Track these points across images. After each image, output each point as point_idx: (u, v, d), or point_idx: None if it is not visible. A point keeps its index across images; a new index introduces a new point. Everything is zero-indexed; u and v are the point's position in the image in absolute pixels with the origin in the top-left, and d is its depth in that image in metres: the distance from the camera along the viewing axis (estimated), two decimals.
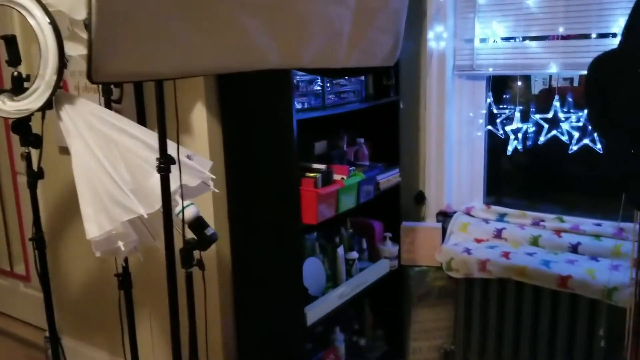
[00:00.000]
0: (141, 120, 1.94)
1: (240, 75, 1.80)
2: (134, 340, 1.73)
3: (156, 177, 1.28)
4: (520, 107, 2.22)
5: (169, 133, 1.26)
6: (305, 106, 1.89)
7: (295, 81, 1.81)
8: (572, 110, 2.12)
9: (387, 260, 2.27)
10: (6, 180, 2.83)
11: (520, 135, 2.23)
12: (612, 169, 1.44)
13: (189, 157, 1.49)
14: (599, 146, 2.05)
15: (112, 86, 1.72)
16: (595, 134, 2.04)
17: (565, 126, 2.13)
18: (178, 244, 1.31)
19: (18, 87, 1.51)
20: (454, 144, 2.42)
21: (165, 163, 1.25)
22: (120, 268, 1.68)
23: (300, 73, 1.80)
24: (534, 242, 2.17)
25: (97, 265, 2.28)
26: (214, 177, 1.48)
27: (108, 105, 1.69)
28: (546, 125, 2.16)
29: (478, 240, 2.25)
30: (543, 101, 2.22)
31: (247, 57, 1.03)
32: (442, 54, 2.31)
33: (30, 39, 1.54)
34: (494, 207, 2.35)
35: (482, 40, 2.24)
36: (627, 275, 1.73)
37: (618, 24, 1.93)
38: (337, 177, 1.92)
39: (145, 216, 1.32)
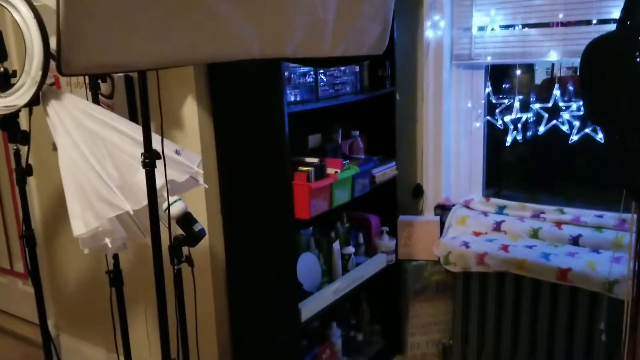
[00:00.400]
0: (132, 115, 1.92)
1: (231, 67, 1.77)
2: (126, 337, 1.72)
3: (143, 173, 1.25)
4: (520, 97, 2.17)
5: (157, 127, 1.24)
6: (298, 98, 1.86)
7: (287, 73, 1.78)
8: (572, 99, 2.08)
9: (384, 254, 2.24)
10: (4, 177, 2.83)
11: (519, 126, 2.19)
12: (611, 160, 1.40)
13: (177, 152, 1.47)
14: (600, 135, 2.00)
15: (99, 80, 1.70)
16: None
17: (565, 115, 2.08)
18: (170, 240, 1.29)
19: (4, 83, 1.49)
20: (452, 136, 2.38)
21: (150, 158, 1.23)
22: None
23: (294, 65, 1.76)
24: (534, 234, 2.13)
25: (92, 263, 2.27)
26: (202, 172, 1.46)
27: (96, 100, 1.67)
28: (546, 115, 2.11)
29: (477, 234, 2.22)
30: (545, 91, 2.17)
31: (226, 46, 1.00)
32: (439, 44, 2.26)
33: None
34: (493, 200, 2.31)
35: (480, 29, 2.19)
36: (629, 267, 1.69)
37: (619, 9, 1.87)
38: (330, 170, 1.89)
39: (132, 212, 1.30)
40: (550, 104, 2.10)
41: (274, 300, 1.88)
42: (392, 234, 2.27)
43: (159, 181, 1.27)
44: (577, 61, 2.09)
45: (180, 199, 1.37)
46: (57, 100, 1.45)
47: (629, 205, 1.60)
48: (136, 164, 1.35)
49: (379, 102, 2.18)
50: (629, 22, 1.26)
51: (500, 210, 2.27)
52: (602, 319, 1.86)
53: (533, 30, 2.07)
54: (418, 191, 2.43)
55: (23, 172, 1.60)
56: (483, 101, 2.30)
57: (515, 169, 2.45)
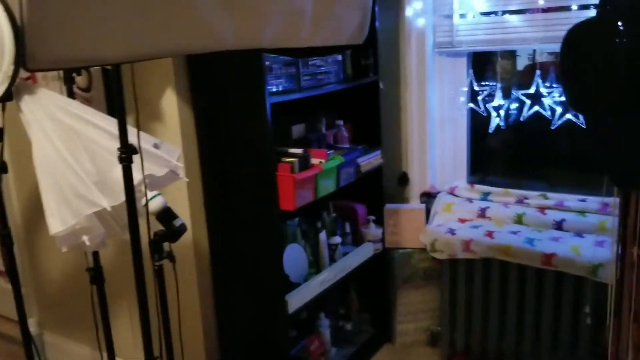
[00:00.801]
0: (111, 108, 1.87)
1: (212, 58, 1.73)
2: (109, 334, 1.70)
3: (121, 168, 1.22)
4: (502, 84, 2.17)
5: (135, 121, 1.21)
6: (281, 88, 1.83)
7: (268, 63, 1.75)
8: (554, 85, 2.08)
9: (371, 243, 2.23)
10: None
11: (502, 113, 2.19)
12: (593, 145, 1.41)
13: (155, 145, 1.44)
14: (581, 120, 2.01)
15: (74, 74, 1.65)
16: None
17: (547, 101, 2.08)
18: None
19: None
20: (436, 123, 2.37)
21: (126, 153, 1.20)
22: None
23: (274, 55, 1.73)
24: (518, 220, 2.14)
25: (74, 259, 2.24)
26: (182, 165, 1.43)
27: (71, 94, 1.63)
28: (528, 102, 2.11)
29: (462, 220, 2.22)
30: (527, 77, 2.17)
31: (199, 38, 0.98)
32: (421, 31, 2.25)
33: None
34: (478, 186, 2.31)
35: (462, 16, 2.18)
36: (612, 251, 1.71)
37: None
38: (315, 161, 1.87)
39: (109, 209, 1.27)
40: (532, 90, 2.09)
41: (260, 292, 1.86)
42: (378, 222, 2.27)
43: (137, 176, 1.25)
44: (557, 47, 2.09)
45: (160, 194, 1.34)
46: (30, 96, 1.40)
47: (611, 189, 1.61)
48: (113, 159, 1.31)
49: (362, 91, 2.16)
50: (607, 7, 1.25)
51: (485, 196, 2.27)
52: (587, 302, 1.88)
53: (514, 17, 2.07)
54: (404, 179, 2.42)
55: None
56: (466, 88, 2.29)
57: (499, 156, 2.45)
